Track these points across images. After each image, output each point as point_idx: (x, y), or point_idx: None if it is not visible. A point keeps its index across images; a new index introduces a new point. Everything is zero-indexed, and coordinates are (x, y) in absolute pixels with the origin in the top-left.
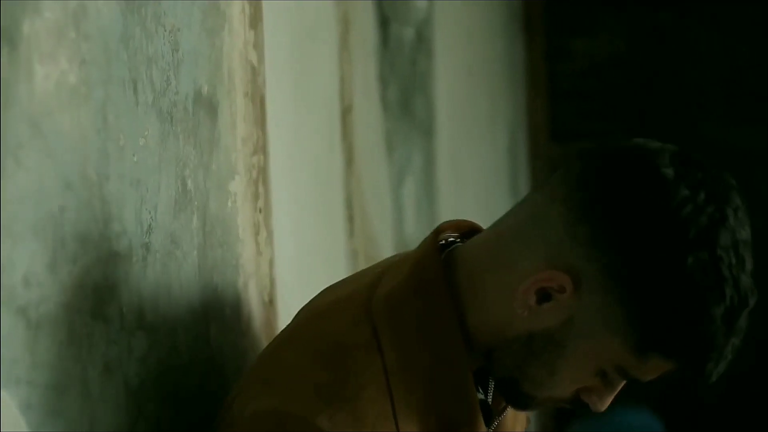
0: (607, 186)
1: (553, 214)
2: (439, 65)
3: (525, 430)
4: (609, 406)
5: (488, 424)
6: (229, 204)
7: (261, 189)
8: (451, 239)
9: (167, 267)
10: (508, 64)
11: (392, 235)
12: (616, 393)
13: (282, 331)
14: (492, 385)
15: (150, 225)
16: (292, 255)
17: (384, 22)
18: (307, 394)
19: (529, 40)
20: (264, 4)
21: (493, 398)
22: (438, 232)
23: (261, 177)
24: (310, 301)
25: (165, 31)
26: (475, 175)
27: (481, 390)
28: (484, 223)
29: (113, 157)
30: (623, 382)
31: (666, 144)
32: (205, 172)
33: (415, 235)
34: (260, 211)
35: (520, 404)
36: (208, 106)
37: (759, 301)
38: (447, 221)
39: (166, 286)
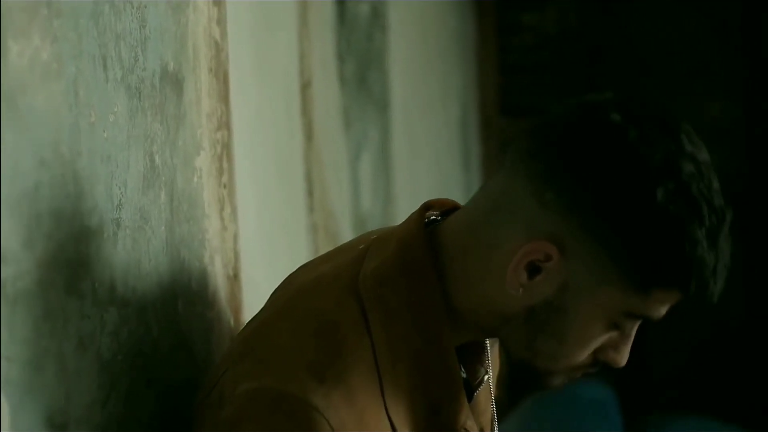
0: (560, 149)
1: (519, 190)
2: (394, 40)
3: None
4: None
5: (469, 397)
6: (195, 179)
7: (225, 164)
8: (433, 217)
9: (137, 242)
10: (460, 39)
11: (350, 209)
12: (631, 341)
13: (264, 307)
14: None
15: (120, 201)
16: (255, 229)
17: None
18: (300, 373)
19: (480, 15)
20: None
21: (468, 370)
22: (424, 209)
23: (225, 152)
24: (291, 277)
25: (133, 8)
26: (429, 149)
27: (463, 368)
28: (438, 195)
29: (84, 134)
30: (635, 328)
31: (604, 94)
32: (171, 147)
33: (372, 209)
34: (225, 187)
35: (542, 383)
36: (174, 82)
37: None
38: (434, 199)
39: (136, 261)
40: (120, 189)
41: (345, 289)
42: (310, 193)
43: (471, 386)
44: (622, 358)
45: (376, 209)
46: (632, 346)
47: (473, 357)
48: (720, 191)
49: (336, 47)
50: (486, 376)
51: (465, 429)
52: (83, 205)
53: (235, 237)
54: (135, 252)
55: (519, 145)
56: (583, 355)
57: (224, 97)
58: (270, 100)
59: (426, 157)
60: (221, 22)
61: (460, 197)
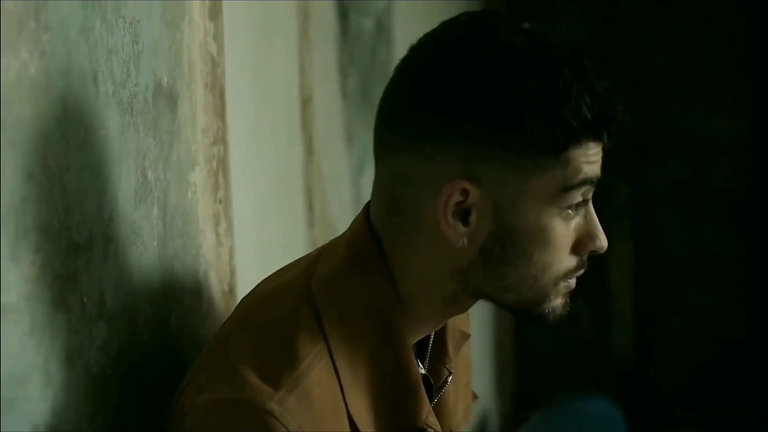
0: (412, 99)
1: (405, 159)
2: (399, 54)
3: (470, 414)
4: (567, 397)
5: (429, 395)
6: (190, 195)
7: (221, 180)
8: None
9: (128, 257)
10: None
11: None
12: (597, 219)
13: (226, 320)
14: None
15: (111, 216)
16: (253, 245)
17: (343, 14)
18: (255, 381)
19: None
20: None
21: (430, 371)
22: (367, 208)
23: (221, 168)
24: (253, 290)
25: (125, 23)
26: None
27: (420, 363)
28: None
29: (74, 148)
30: (591, 205)
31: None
32: (165, 163)
33: None
34: (220, 202)
35: (546, 317)
36: (168, 97)
37: (716, 293)
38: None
39: (127, 276)
40: (110, 204)
41: (298, 295)
42: (310, 208)
43: (433, 386)
44: (601, 240)
45: None
46: (639, 362)
47: (435, 359)
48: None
49: (338, 61)
50: (449, 377)
51: (427, 425)
52: (72, 219)
53: (231, 252)
54: (126, 267)
55: (379, 129)
56: (562, 260)
57: (220, 112)
58: (269, 114)
59: None
60: (218, 37)
61: None
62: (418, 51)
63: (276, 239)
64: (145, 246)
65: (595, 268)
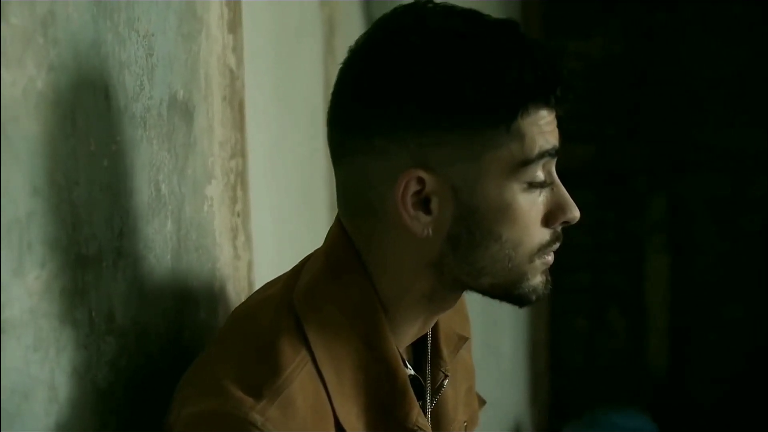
0: (355, 96)
1: (357, 160)
2: None
3: (477, 419)
4: (604, 411)
5: (420, 397)
6: (206, 208)
7: (239, 193)
8: None
9: (139, 271)
10: None
11: None
12: (563, 188)
13: (215, 336)
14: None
15: (121, 229)
16: (273, 258)
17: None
18: (237, 393)
19: None
20: (244, 5)
21: (429, 375)
22: (339, 217)
23: (239, 181)
24: (245, 300)
25: (138, 36)
26: None
27: (409, 366)
28: None
29: (83, 162)
30: (554, 174)
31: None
32: (180, 176)
33: None
34: (238, 215)
35: (527, 297)
36: (183, 110)
37: (752, 307)
38: None
39: (138, 291)
40: (121, 217)
41: (280, 307)
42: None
43: (424, 388)
44: (571, 209)
45: None
46: (674, 375)
47: (433, 362)
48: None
49: None
50: (445, 380)
51: (417, 426)
52: (80, 233)
53: (250, 265)
54: (137, 281)
55: (331, 136)
56: (533, 235)
57: (239, 126)
58: (292, 127)
59: None
60: (237, 49)
61: None
62: (355, 52)
63: (297, 252)
64: (157, 260)
65: (630, 281)
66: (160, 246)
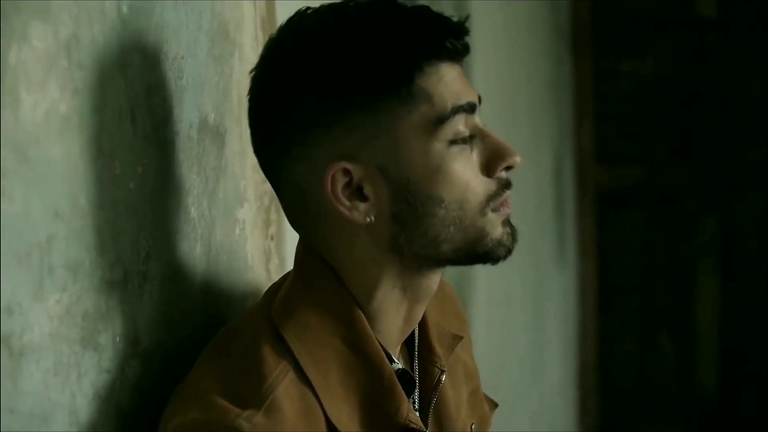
0: (257, 112)
1: (289, 168)
2: (477, 90)
3: (488, 422)
4: None
5: (410, 392)
6: (237, 231)
7: (273, 216)
8: None
9: (166, 295)
10: (554, 87)
11: None
12: (491, 133)
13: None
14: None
15: (148, 253)
16: None
17: None
18: (223, 403)
19: (576, 62)
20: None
21: (419, 371)
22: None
23: (273, 204)
24: (229, 323)
25: (167, 59)
26: (515, 199)
27: (396, 360)
28: (525, 244)
29: (107, 186)
30: (477, 122)
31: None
32: (210, 199)
33: None
34: (272, 239)
35: (494, 252)
36: (215, 133)
37: None
38: None
39: (165, 315)
40: (148, 241)
41: (260, 320)
42: None
43: (416, 383)
44: (509, 153)
45: None
46: (725, 398)
47: (423, 358)
48: None
49: None
50: (442, 375)
51: (409, 421)
52: (104, 257)
53: None
54: (164, 305)
55: (259, 156)
56: (476, 188)
57: None
58: None
59: (511, 205)
60: None
61: (552, 245)
62: (252, 79)
63: None
64: (186, 283)
65: (680, 303)
66: (189, 269)
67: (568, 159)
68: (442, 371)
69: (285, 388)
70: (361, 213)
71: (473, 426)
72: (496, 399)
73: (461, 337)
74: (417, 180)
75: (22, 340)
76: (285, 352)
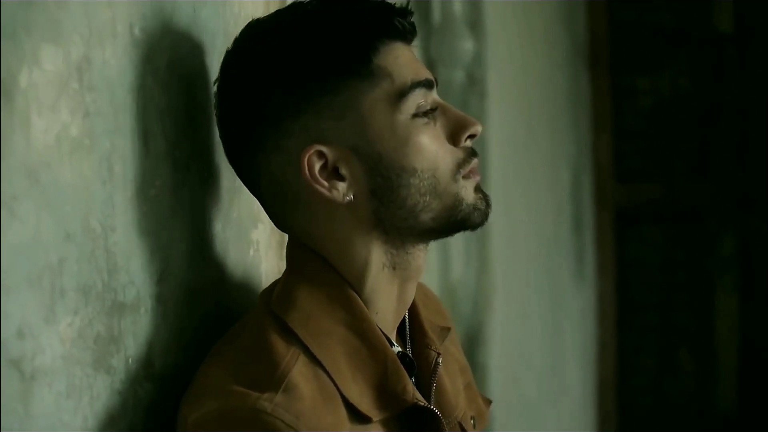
0: (221, 108)
1: (263, 165)
2: (493, 107)
3: (485, 419)
4: None
5: (410, 374)
6: (251, 252)
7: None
8: None
9: (179, 317)
10: (572, 103)
11: (437, 278)
12: (451, 107)
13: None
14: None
15: (161, 275)
16: None
17: (430, 66)
18: (239, 390)
19: (594, 79)
20: None
21: (415, 355)
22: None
23: None
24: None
25: (180, 80)
26: (531, 215)
27: (396, 344)
28: (543, 260)
29: (119, 208)
30: (435, 97)
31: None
32: (224, 220)
33: (464, 277)
34: None
35: (471, 217)
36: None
37: None
38: None
39: (179, 336)
40: (161, 263)
41: (261, 316)
42: None
43: (415, 366)
44: (470, 122)
45: (469, 277)
46: (744, 416)
47: (418, 342)
48: None
49: None
50: (438, 357)
51: (417, 399)
52: (116, 279)
53: None
54: (177, 327)
55: (231, 160)
56: (444, 156)
57: None
58: None
59: (528, 223)
60: None
61: (571, 261)
62: (217, 91)
63: None
64: (199, 305)
65: (700, 321)
66: (202, 291)
67: (586, 176)
68: (438, 354)
69: (299, 370)
70: (340, 192)
71: (473, 419)
72: (515, 415)
73: (449, 329)
74: (388, 153)
75: (34, 363)
76: (293, 339)
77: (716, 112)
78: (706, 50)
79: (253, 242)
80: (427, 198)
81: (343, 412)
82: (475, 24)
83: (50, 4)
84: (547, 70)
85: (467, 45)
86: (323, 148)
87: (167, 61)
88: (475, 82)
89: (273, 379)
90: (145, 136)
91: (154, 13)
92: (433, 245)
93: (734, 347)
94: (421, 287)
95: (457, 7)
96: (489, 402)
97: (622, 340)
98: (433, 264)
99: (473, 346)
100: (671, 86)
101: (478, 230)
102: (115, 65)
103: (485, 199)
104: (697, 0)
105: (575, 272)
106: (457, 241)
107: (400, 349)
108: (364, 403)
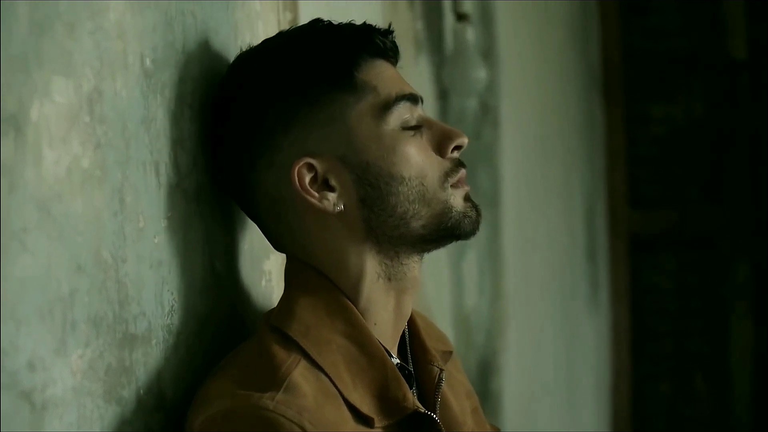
0: (223, 134)
1: (257, 186)
2: (506, 136)
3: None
4: None
5: (409, 386)
6: (264, 283)
7: None
8: None
9: (192, 348)
10: (586, 130)
11: (451, 306)
12: (436, 120)
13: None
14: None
15: (173, 306)
16: None
17: (443, 95)
18: (243, 392)
19: (608, 106)
20: None
21: (417, 371)
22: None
23: None
24: None
25: (192, 111)
26: (545, 242)
27: (394, 356)
28: (557, 289)
29: (131, 239)
30: (420, 110)
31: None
32: (236, 251)
33: (478, 306)
34: None
35: (461, 223)
36: None
37: None
38: None
39: (191, 367)
40: (173, 294)
41: (263, 331)
42: None
43: (414, 378)
44: (456, 134)
45: (482, 305)
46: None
47: (419, 358)
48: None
49: None
50: (441, 373)
51: (417, 406)
52: (128, 311)
53: None
54: (190, 358)
55: (239, 200)
56: (432, 164)
57: None
58: None
59: (542, 250)
60: None
61: (585, 288)
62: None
63: None
64: (212, 336)
65: (714, 347)
66: (215, 322)
67: (600, 203)
68: (441, 369)
69: (299, 373)
70: (330, 202)
71: None
72: None
73: (451, 352)
74: (375, 161)
75: (45, 395)
76: (293, 346)
77: (730, 138)
78: (720, 77)
79: (265, 273)
80: (416, 205)
81: (345, 411)
82: (488, 52)
83: (61, 36)
84: (560, 97)
85: (480, 73)
86: (312, 161)
87: (178, 92)
88: (488, 110)
89: (274, 380)
90: (156, 168)
91: (166, 44)
92: (446, 274)
93: (749, 373)
94: (421, 317)
95: (470, 36)
96: (498, 431)
97: (636, 366)
98: (446, 293)
99: (487, 374)
100: (685, 113)
101: (483, 244)
102: (126, 97)
103: (475, 208)
104: (710, 27)
105: (589, 299)
106: (471, 269)
107: (399, 361)
108: (366, 406)
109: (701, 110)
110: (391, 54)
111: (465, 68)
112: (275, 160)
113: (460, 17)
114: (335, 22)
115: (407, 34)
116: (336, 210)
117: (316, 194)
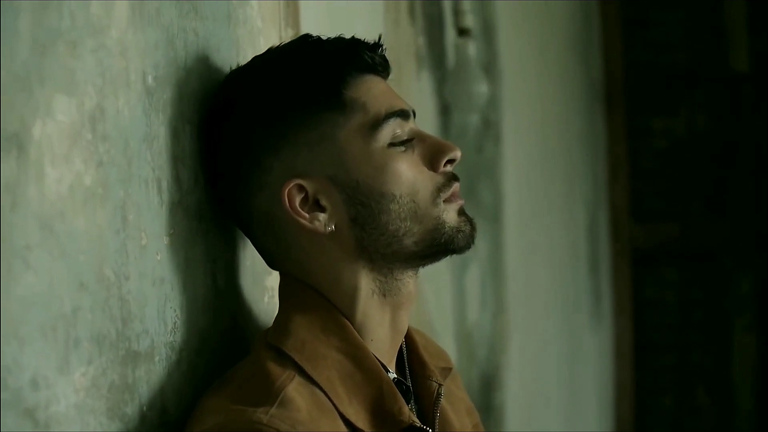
0: (207, 151)
1: (250, 204)
2: (508, 150)
3: None
4: None
5: (407, 401)
6: (266, 299)
7: None
8: None
9: (195, 365)
10: (588, 144)
11: (453, 321)
12: (428, 133)
13: None
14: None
15: (175, 323)
16: None
17: (445, 110)
18: (237, 408)
19: (610, 120)
20: None
21: (416, 385)
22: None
23: None
24: None
25: (193, 128)
26: (547, 256)
27: (391, 370)
28: (560, 301)
29: (133, 256)
30: (412, 125)
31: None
32: (238, 268)
33: (480, 320)
34: None
35: (454, 239)
36: None
37: None
38: None
39: (194, 384)
40: (175, 311)
41: (259, 348)
42: None
43: (411, 393)
44: (449, 148)
45: (485, 320)
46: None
47: (417, 373)
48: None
49: None
50: (440, 388)
51: (413, 420)
52: (131, 328)
53: None
54: (193, 374)
55: (236, 219)
56: (424, 180)
57: None
58: None
59: (544, 264)
60: None
61: (588, 302)
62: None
63: None
64: (214, 353)
65: (717, 360)
66: (217, 338)
67: (602, 216)
68: (440, 384)
69: (294, 388)
70: (321, 222)
71: None
72: None
73: (450, 368)
74: (365, 180)
75: (48, 413)
76: (288, 362)
77: (732, 151)
78: (722, 90)
79: (267, 289)
80: (408, 223)
81: (341, 425)
82: (490, 67)
83: (63, 54)
84: (562, 111)
85: (482, 88)
86: (302, 182)
87: (180, 110)
88: (490, 125)
89: (268, 395)
90: (158, 185)
91: (167, 61)
92: (449, 288)
93: (751, 386)
94: (421, 334)
95: (472, 51)
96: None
97: (639, 380)
98: (448, 307)
99: (490, 388)
100: (687, 126)
101: (485, 258)
102: (129, 115)
103: (470, 222)
104: (712, 39)
105: (592, 313)
106: (473, 283)
107: (396, 376)
108: (361, 420)
109: (703, 123)
110: (380, 68)
111: (467, 83)
112: (266, 181)
113: (462, 32)
114: (324, 37)
115: (409, 49)
116: (327, 230)
117: (307, 215)
